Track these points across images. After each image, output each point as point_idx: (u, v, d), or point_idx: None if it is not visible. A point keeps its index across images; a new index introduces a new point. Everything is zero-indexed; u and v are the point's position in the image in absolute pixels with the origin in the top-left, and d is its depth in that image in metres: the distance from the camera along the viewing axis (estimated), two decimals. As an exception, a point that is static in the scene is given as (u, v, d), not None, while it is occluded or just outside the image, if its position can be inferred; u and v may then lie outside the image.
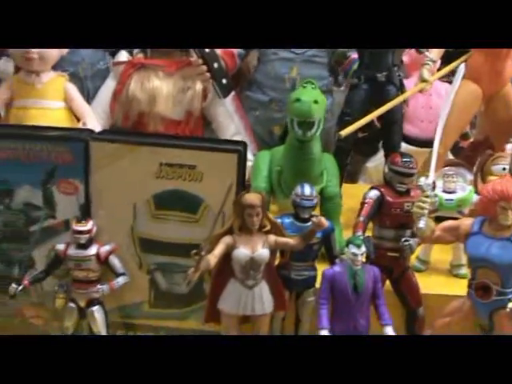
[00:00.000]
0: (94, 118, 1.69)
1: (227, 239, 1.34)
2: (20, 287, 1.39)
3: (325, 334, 1.31)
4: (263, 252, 1.34)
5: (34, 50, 1.58)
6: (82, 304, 1.43)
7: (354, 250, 1.32)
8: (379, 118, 1.85)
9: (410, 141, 2.12)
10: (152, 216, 1.43)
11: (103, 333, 1.44)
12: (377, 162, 2.35)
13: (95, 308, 1.42)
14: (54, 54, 1.64)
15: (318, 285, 1.45)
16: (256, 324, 1.39)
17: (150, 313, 1.50)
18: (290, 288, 1.44)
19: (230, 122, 1.90)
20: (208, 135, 1.91)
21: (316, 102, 1.48)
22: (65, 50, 1.69)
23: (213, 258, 1.30)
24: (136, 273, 1.47)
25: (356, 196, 1.72)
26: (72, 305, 1.43)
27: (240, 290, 1.35)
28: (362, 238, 1.36)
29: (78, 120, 1.72)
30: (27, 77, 1.64)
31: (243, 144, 1.44)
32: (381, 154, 2.32)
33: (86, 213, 1.43)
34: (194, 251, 1.37)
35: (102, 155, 1.40)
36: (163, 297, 1.49)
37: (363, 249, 1.32)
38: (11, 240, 1.46)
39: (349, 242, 1.33)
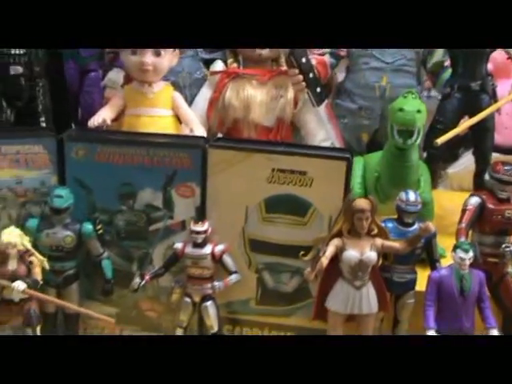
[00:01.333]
0: (200, 125, 1.79)
1: (337, 241, 1.43)
2: (142, 282, 1.50)
3: (432, 334, 1.37)
4: (371, 255, 1.41)
5: (149, 61, 1.68)
6: (197, 299, 1.53)
7: (461, 254, 1.38)
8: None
9: (495, 148, 2.14)
10: (262, 218, 1.52)
11: (215, 327, 1.54)
12: (458, 168, 2.36)
13: (209, 303, 1.52)
14: (166, 65, 1.75)
15: (417, 288, 1.51)
16: (361, 323, 1.46)
17: (257, 309, 1.59)
18: (391, 290, 1.51)
19: (319, 128, 1.97)
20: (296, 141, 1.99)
21: (419, 111, 1.53)
22: (174, 62, 1.80)
23: (325, 259, 1.39)
24: (245, 271, 1.56)
25: (436, 202, 1.77)
26: (187, 300, 1.53)
27: (348, 290, 1.43)
28: (468, 243, 1.42)
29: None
30: (140, 87, 1.75)
31: (350, 152, 1.51)
32: (462, 160, 2.36)
33: (201, 214, 1.53)
34: (302, 252, 1.47)
35: (218, 161, 1.50)
36: (270, 294, 1.57)
37: (470, 254, 1.38)
38: (132, 238, 1.57)
39: (456, 247, 1.39)
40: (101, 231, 1.53)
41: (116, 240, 1.58)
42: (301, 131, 2.02)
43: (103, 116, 1.72)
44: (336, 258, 1.44)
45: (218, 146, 1.51)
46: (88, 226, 1.51)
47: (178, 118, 1.83)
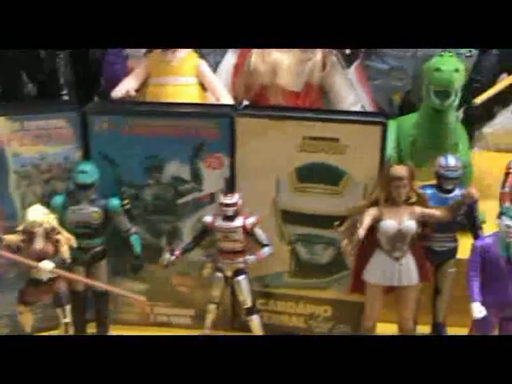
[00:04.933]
0: (227, 94, 1.73)
1: (373, 211, 1.36)
2: (173, 257, 1.46)
3: (477, 306, 1.30)
4: (410, 224, 1.35)
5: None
6: (229, 273, 1.49)
7: (507, 222, 1.30)
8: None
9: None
10: (294, 189, 1.46)
11: (249, 302, 1.49)
12: (494, 128, 2.28)
13: (241, 277, 1.48)
14: (189, 31, 1.67)
15: (459, 255, 1.45)
16: (401, 295, 1.41)
17: (291, 282, 1.54)
18: (431, 259, 1.45)
19: (349, 91, 1.88)
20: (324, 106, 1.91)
21: (457, 70, 1.45)
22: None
23: (362, 230, 1.32)
24: (277, 244, 1.50)
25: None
26: (219, 274, 1.49)
27: (386, 262, 1.37)
28: (514, 209, 1.34)
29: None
30: (164, 55, 1.68)
31: (385, 116, 1.43)
32: (499, 118, 2.26)
33: (230, 186, 1.47)
34: (337, 223, 1.40)
35: (247, 130, 1.44)
36: (304, 267, 1.53)
37: (517, 221, 1.30)
38: (160, 212, 1.53)
39: (502, 214, 1.31)
40: (128, 206, 1.49)
41: (144, 215, 1.54)
42: (329, 95, 1.94)
43: (126, 86, 1.67)
44: (373, 229, 1.37)
45: (247, 114, 1.45)
46: (114, 201, 1.46)
47: (203, 87, 1.77)
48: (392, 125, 1.72)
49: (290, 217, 1.49)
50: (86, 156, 1.49)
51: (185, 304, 1.60)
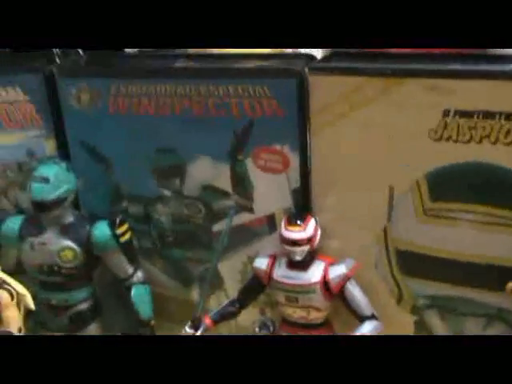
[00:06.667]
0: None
1: None
2: (199, 331, 0.83)
3: None
4: None
5: None
6: (300, 361, 0.82)
7: None
8: None
9: None
10: (424, 211, 0.76)
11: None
12: None
13: (322, 371, 0.80)
14: None
15: None
16: None
17: (416, 377, 0.85)
18: None
19: None
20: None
21: None
22: None
23: None
24: (392, 310, 0.83)
25: None
26: (283, 361, 0.83)
27: None
28: None
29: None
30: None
31: None
32: None
33: (303, 204, 0.81)
34: (512, 284, 0.70)
35: (331, 99, 0.75)
36: (441, 353, 0.82)
37: None
38: (186, 245, 0.90)
39: None
40: (127, 236, 0.87)
41: (160, 247, 0.92)
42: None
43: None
44: None
45: (327, 70, 0.75)
46: (103, 229, 0.85)
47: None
48: None
49: (415, 263, 0.80)
50: (63, 147, 0.89)
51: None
